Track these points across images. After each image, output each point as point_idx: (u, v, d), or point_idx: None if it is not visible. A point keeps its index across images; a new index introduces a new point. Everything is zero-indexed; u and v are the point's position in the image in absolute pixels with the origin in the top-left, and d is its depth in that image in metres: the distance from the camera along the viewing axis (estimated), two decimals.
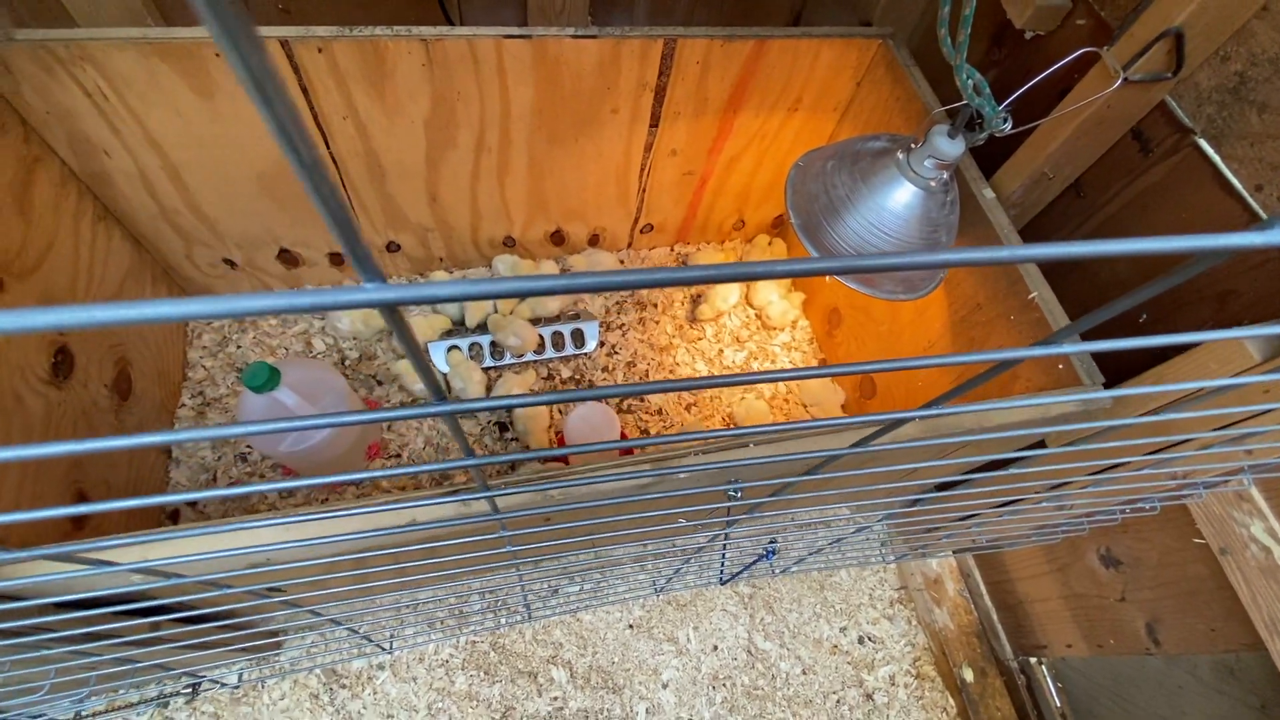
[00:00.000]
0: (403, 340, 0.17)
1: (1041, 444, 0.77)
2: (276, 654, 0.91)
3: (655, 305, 1.22)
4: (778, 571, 0.95)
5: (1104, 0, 0.74)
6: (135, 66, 0.73)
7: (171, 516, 0.96)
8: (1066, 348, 0.20)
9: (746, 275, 0.17)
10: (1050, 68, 0.71)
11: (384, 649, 0.81)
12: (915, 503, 0.86)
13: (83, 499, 0.79)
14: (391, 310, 0.15)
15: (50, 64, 0.71)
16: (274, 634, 0.90)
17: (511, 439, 1.08)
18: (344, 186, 0.95)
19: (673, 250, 1.29)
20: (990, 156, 0.83)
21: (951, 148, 0.68)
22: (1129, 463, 0.69)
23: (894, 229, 0.72)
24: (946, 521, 0.83)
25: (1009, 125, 0.67)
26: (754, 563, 0.62)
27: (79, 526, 0.78)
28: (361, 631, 0.67)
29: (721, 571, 0.71)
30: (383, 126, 0.87)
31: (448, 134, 0.91)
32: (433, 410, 0.19)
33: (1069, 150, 0.74)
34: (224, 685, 0.83)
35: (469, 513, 0.48)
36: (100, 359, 0.85)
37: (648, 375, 1.16)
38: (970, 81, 0.64)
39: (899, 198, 0.72)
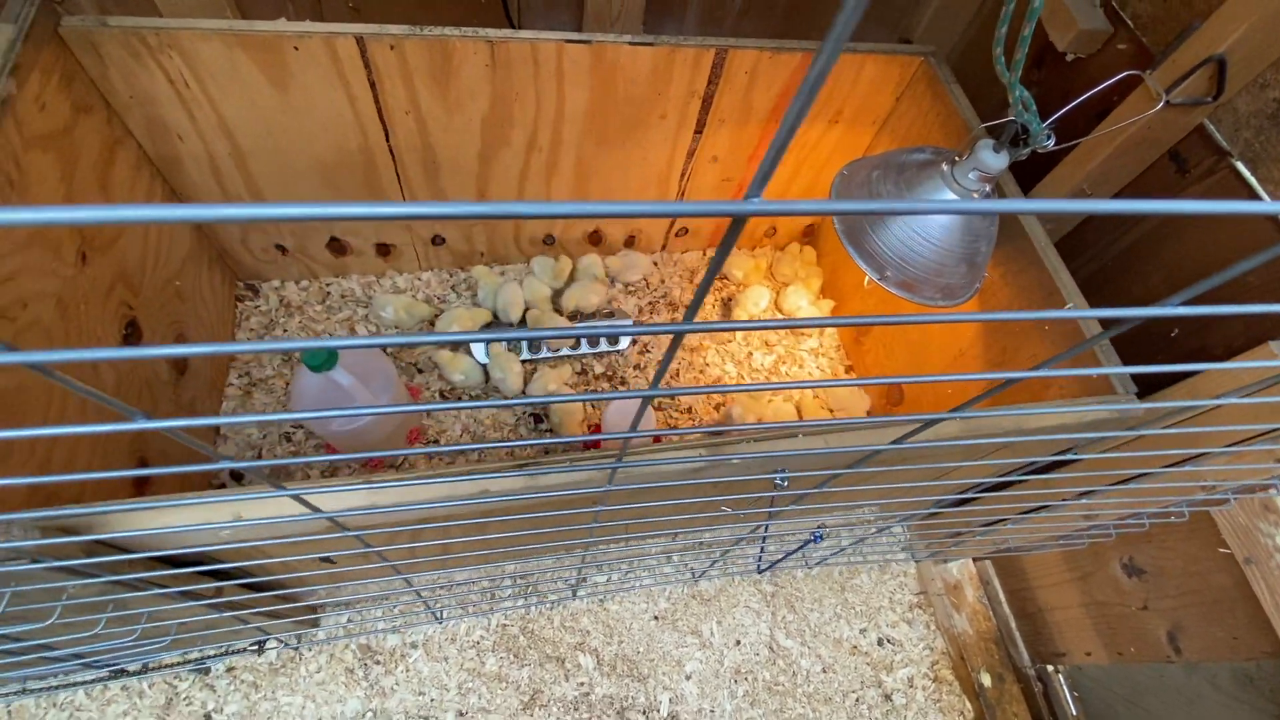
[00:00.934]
0: (726, 247, 0.19)
1: (1071, 453, 0.80)
2: (314, 630, 0.94)
3: (687, 306, 1.25)
4: (813, 564, 0.97)
5: (1145, 26, 0.77)
6: (219, 56, 0.77)
7: (218, 489, 0.99)
8: (1172, 308, 0.23)
9: (737, 211, 0.18)
10: (1091, 88, 0.74)
11: (438, 618, 0.83)
12: (946, 505, 0.88)
13: (143, 461, 0.83)
14: (741, 222, 0.18)
15: (139, 50, 0.75)
16: (313, 609, 0.93)
17: (546, 430, 1.11)
18: (399, 179, 0.99)
19: (704, 254, 1.32)
20: (1027, 172, 0.86)
21: (996, 161, 0.71)
22: (1160, 467, 0.71)
23: (937, 237, 0.75)
24: (976, 524, 0.85)
25: (1052, 142, 0.70)
26: (798, 549, 0.64)
27: (140, 490, 0.81)
28: (424, 597, 0.70)
29: (760, 560, 0.73)
30: (442, 123, 0.91)
31: (502, 133, 0.95)
32: (610, 329, 0.22)
33: (1108, 168, 0.77)
34: (286, 645, 0.86)
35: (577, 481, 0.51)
36: (163, 334, 0.89)
37: (678, 375, 1.19)
38: (1020, 99, 0.67)
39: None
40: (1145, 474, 0.71)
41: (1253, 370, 0.61)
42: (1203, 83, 0.67)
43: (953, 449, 0.68)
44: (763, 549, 0.69)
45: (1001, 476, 0.82)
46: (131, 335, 0.82)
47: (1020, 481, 0.80)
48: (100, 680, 0.82)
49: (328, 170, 0.95)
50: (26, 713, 0.87)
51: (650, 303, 1.25)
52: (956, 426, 0.65)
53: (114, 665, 0.68)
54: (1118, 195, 0.82)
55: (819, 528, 0.58)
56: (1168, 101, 0.67)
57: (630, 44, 0.85)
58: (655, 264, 1.28)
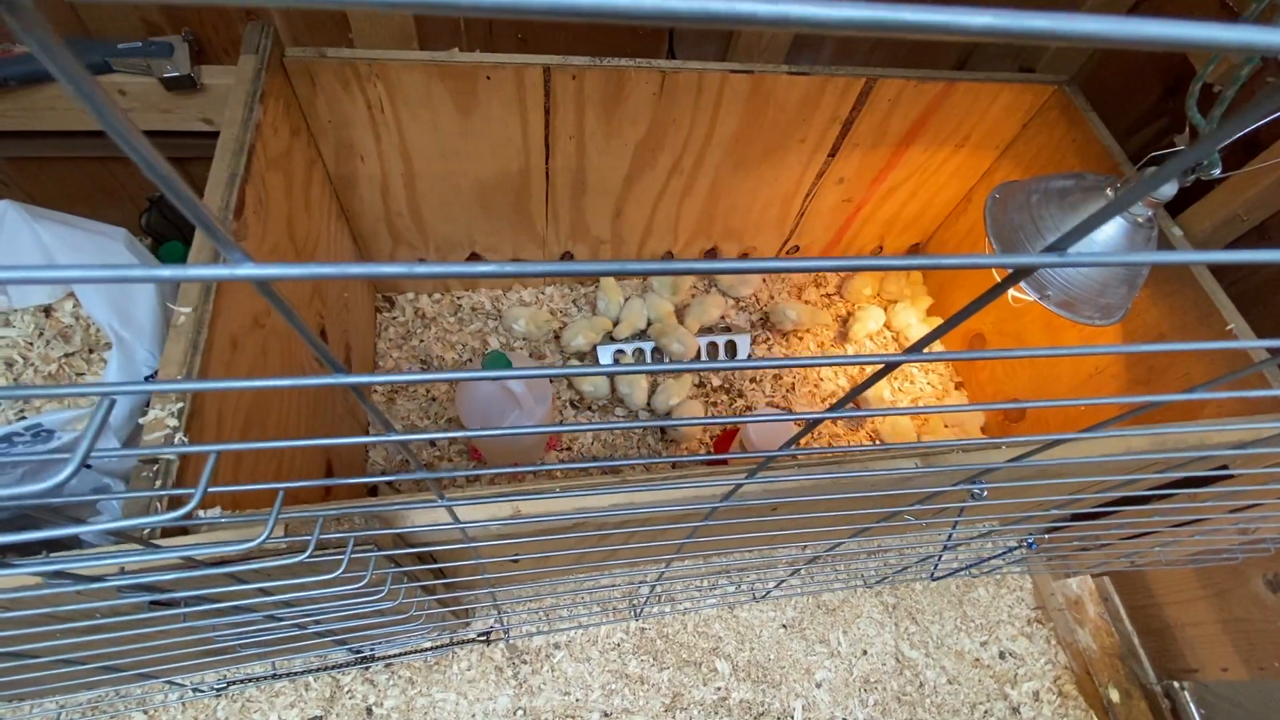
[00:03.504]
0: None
1: (1224, 468, 0.82)
2: (466, 625, 0.98)
3: (795, 320, 1.28)
4: (984, 572, 0.99)
5: None
6: (417, 84, 0.83)
7: (370, 492, 1.03)
8: None
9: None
10: (1234, 119, 0.77)
11: (635, 616, 0.87)
12: (1080, 518, 0.90)
13: (329, 464, 0.87)
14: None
15: (349, 79, 0.81)
16: (468, 610, 0.97)
17: (671, 441, 1.14)
18: (546, 199, 1.04)
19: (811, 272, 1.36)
20: (1175, 199, 0.89)
21: (1167, 188, 0.74)
22: None
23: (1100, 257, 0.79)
24: (1118, 537, 0.87)
25: (1218, 170, 0.74)
26: (1005, 552, 0.67)
27: (329, 493, 0.86)
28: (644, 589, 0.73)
29: (935, 568, 0.76)
30: (600, 147, 0.96)
31: (651, 157, 1.00)
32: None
33: (1266, 195, 0.80)
34: (511, 636, 0.91)
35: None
36: (338, 342, 0.94)
37: (794, 388, 1.22)
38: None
39: (1107, 230, 0.78)
40: None
41: None
42: None
43: (1114, 464, 0.71)
44: (940, 558, 0.72)
45: (1149, 489, 0.84)
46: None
47: (1173, 495, 0.82)
48: (352, 664, 0.88)
49: (485, 190, 1.00)
50: (202, 702, 0.91)
51: (760, 317, 1.29)
52: (1146, 440, 0.68)
53: (363, 651, 0.72)
54: (1267, 220, 0.85)
55: (1029, 535, 0.60)
56: None
57: (789, 74, 0.90)
58: (764, 280, 1.32)
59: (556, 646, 1.00)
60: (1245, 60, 0.67)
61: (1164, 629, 1.05)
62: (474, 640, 0.91)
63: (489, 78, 0.83)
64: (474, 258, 1.15)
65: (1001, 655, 1.10)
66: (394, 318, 1.18)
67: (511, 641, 0.98)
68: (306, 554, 0.30)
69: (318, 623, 0.47)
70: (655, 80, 0.88)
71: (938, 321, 1.27)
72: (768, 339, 1.26)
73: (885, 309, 1.30)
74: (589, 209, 1.08)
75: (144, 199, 1.08)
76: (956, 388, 1.25)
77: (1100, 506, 0.86)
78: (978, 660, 1.09)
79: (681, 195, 1.09)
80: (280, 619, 0.42)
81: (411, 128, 0.88)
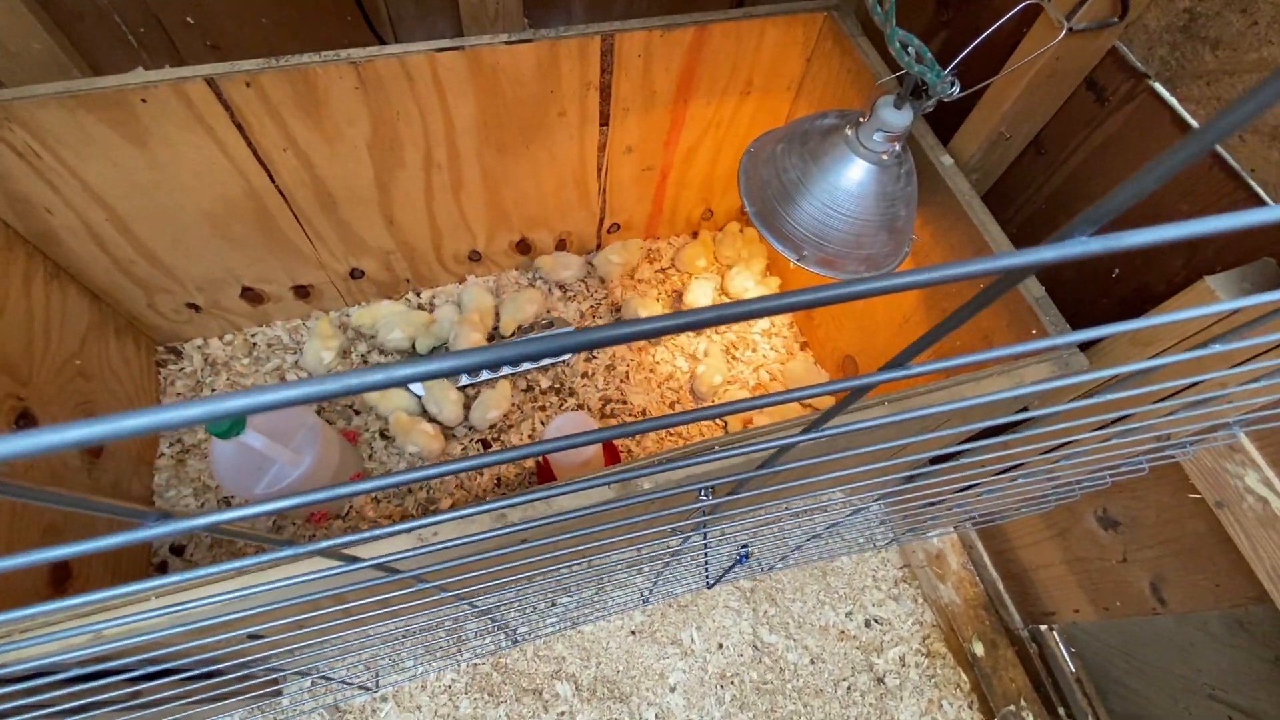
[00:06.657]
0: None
1: (1024, 409, 0.75)
2: (277, 699, 0.90)
3: (629, 306, 1.20)
4: (777, 566, 0.93)
5: None
6: (62, 121, 0.72)
7: (159, 567, 0.95)
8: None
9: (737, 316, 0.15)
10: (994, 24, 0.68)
11: (367, 688, 0.80)
12: (904, 483, 0.84)
13: (63, 563, 0.79)
14: None
15: None
16: (274, 681, 0.89)
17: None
18: (296, 218, 0.94)
19: (643, 246, 1.27)
20: (947, 122, 0.81)
21: (898, 118, 0.66)
22: (1112, 424, 0.67)
23: (849, 209, 0.70)
24: (934, 500, 0.81)
25: (956, 89, 0.65)
26: (733, 566, 0.60)
27: (61, 589, 0.77)
28: (341, 675, 0.66)
29: (707, 575, 0.70)
30: (325, 154, 0.86)
31: (394, 155, 0.89)
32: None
33: (1024, 107, 0.71)
34: None
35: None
36: (66, 419, 0.84)
37: (628, 376, 1.14)
38: (909, 47, 0.62)
39: (851, 175, 0.70)
40: (1099, 432, 0.67)
41: (1196, 307, 0.56)
42: (1107, 3, 0.62)
43: (885, 428, 0.64)
44: (707, 563, 0.65)
45: (946, 450, 0.77)
46: (25, 427, 0.77)
47: (970, 450, 0.75)
48: None
49: (218, 221, 0.90)
50: None
51: (592, 307, 1.21)
52: (887, 407, 0.61)
53: None
54: (1041, 134, 0.77)
55: (744, 547, 0.53)
56: (1070, 28, 0.62)
57: (506, 43, 0.80)
58: (592, 264, 1.23)
59: (383, 699, 0.94)
60: None
61: (1022, 573, 1.01)
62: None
63: (144, 100, 0.72)
64: (248, 292, 1.04)
65: (868, 623, 1.05)
66: (180, 369, 1.08)
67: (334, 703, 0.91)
68: None
69: None
70: (349, 73, 0.77)
71: (775, 282, 1.19)
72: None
73: (722, 275, 1.22)
74: (354, 221, 0.98)
75: None
76: (802, 348, 1.18)
77: (910, 476, 0.79)
78: (843, 632, 1.04)
79: (453, 190, 0.99)
80: None
81: (86, 169, 0.77)
